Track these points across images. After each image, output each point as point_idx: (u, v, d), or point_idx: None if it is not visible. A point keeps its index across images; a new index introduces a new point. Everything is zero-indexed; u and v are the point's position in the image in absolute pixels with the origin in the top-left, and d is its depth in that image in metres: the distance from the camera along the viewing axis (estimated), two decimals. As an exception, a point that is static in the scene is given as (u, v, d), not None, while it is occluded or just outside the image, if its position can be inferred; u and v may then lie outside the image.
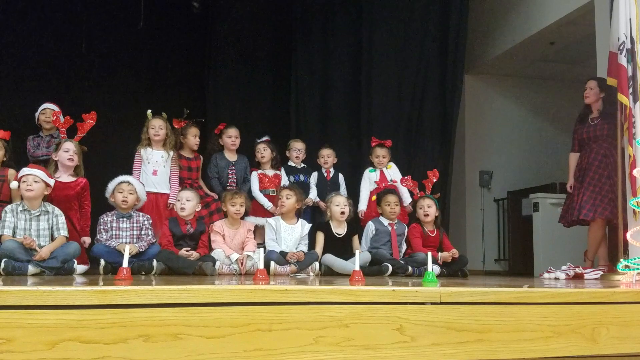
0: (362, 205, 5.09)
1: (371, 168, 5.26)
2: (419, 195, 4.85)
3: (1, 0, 6.03)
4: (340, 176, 5.31)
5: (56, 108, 4.73)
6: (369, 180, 5.21)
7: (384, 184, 5.09)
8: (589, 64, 5.85)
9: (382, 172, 5.18)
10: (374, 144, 5.26)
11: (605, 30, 4.81)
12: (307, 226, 4.53)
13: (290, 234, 4.41)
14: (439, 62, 6.29)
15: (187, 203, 4.21)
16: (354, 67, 6.37)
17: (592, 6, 5.52)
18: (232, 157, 5.03)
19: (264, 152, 5.04)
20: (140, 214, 4.16)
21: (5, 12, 6.12)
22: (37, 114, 4.79)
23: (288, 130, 6.18)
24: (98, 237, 3.97)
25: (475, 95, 7.58)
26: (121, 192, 4.06)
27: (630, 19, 3.93)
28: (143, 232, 4.05)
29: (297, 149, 5.21)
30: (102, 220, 4.04)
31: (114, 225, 4.03)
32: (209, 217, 4.63)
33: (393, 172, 5.20)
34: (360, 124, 6.22)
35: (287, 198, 4.42)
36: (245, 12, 6.60)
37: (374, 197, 5.08)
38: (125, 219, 4.06)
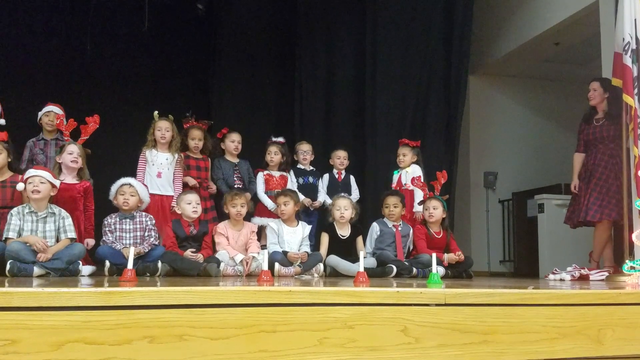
0: None
1: (395, 170, 5.25)
2: (427, 195, 4.84)
3: (7, 2, 6.05)
4: (352, 177, 5.30)
5: (60, 111, 4.70)
6: (393, 183, 5.21)
7: (398, 187, 5.07)
8: (594, 64, 5.84)
9: (400, 175, 5.16)
10: (401, 143, 5.23)
11: (610, 30, 4.79)
12: (308, 228, 4.53)
13: (292, 236, 4.41)
14: (443, 63, 6.29)
15: (198, 206, 4.25)
16: (358, 68, 6.37)
17: (596, 6, 5.50)
18: (234, 159, 5.04)
19: (274, 155, 5.02)
20: (144, 214, 4.16)
21: (11, 13, 6.15)
22: (40, 114, 4.73)
23: (292, 131, 6.18)
24: (104, 238, 3.99)
25: (479, 96, 7.57)
26: (122, 195, 4.08)
27: (635, 19, 3.92)
28: (146, 234, 4.06)
29: (303, 151, 5.21)
30: (106, 222, 4.05)
31: (118, 226, 4.04)
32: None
33: (409, 176, 5.09)
34: (364, 125, 6.22)
35: (284, 205, 4.41)
36: (249, 14, 6.61)
37: None
38: (128, 220, 4.07)
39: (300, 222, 4.55)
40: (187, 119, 4.94)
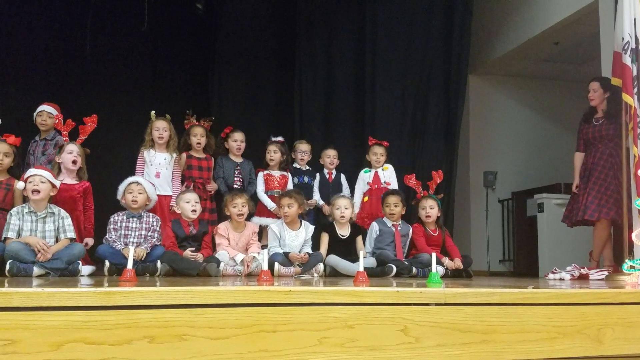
0: (355, 208, 4.99)
1: (366, 169, 5.25)
2: (422, 194, 4.85)
3: (6, 2, 6.05)
4: (342, 177, 5.31)
5: (53, 110, 4.70)
6: (362, 182, 5.21)
7: (376, 186, 5.08)
8: (593, 63, 5.84)
9: (376, 173, 5.17)
10: (371, 142, 5.26)
11: (609, 30, 4.79)
12: (311, 228, 4.50)
13: (294, 240, 4.37)
14: (443, 63, 6.29)
15: (197, 205, 4.24)
16: (357, 68, 6.37)
17: (596, 6, 5.50)
18: (237, 159, 5.04)
19: (274, 154, 5.02)
20: (151, 215, 4.17)
21: (10, 13, 6.15)
22: (34, 114, 4.74)
23: (292, 131, 6.18)
24: (107, 236, 3.99)
25: (479, 95, 7.57)
26: (131, 193, 4.09)
27: (634, 19, 3.92)
28: (150, 234, 4.06)
29: (301, 151, 5.22)
30: (112, 220, 4.06)
31: (124, 225, 4.04)
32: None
33: (388, 174, 5.16)
34: (364, 125, 6.22)
35: (288, 207, 4.35)
36: (249, 14, 6.61)
37: (365, 198, 5.08)
38: (135, 219, 4.07)
39: (303, 222, 4.50)
40: (188, 118, 4.94)
